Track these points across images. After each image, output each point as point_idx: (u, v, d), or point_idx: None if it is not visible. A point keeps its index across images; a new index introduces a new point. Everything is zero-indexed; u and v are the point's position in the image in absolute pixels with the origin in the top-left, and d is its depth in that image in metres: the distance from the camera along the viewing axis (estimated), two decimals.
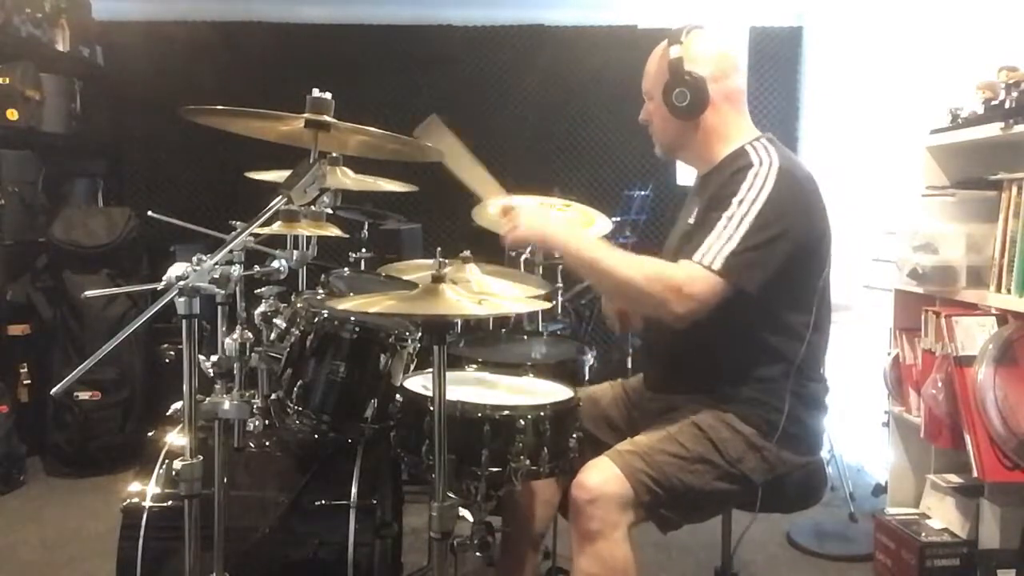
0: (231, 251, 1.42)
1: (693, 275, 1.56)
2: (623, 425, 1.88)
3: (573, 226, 1.74)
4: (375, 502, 1.85)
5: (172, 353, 3.60)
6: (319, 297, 2.07)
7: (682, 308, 1.56)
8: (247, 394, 1.79)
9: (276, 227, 1.82)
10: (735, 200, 1.60)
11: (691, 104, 1.72)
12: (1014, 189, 2.30)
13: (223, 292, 1.41)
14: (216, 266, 1.35)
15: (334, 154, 2.02)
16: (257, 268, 1.92)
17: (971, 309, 2.43)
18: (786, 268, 1.62)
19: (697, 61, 1.72)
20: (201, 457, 1.43)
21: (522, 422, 1.57)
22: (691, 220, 1.77)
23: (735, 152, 1.75)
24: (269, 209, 1.46)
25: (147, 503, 1.82)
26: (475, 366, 1.99)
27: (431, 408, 1.49)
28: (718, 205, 1.62)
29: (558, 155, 4.49)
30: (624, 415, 1.92)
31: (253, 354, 1.83)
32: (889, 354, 2.82)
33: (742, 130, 1.79)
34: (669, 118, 1.76)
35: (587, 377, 2.21)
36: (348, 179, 2.15)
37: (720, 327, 1.65)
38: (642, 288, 1.58)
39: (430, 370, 1.48)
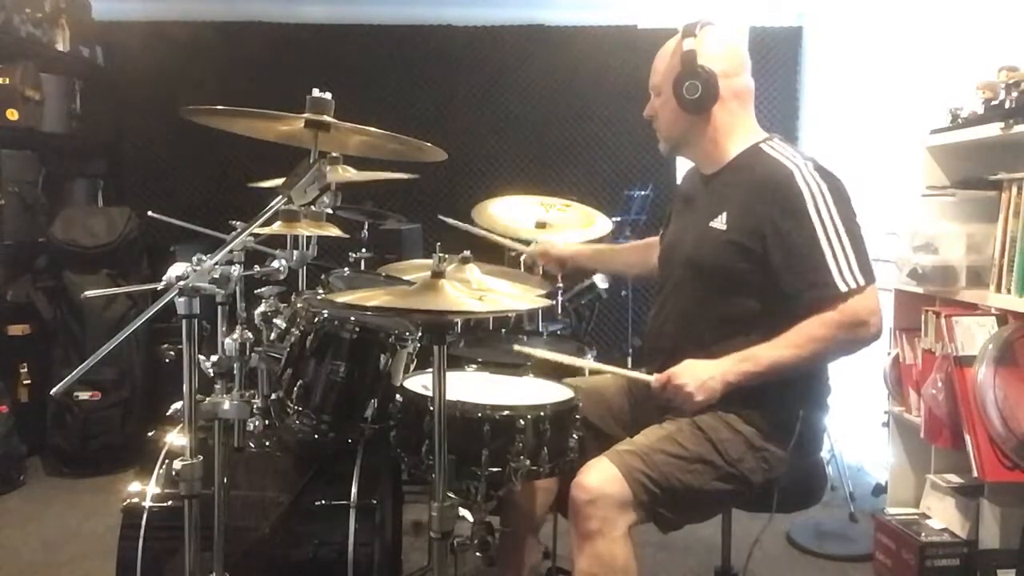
0: (231, 251, 1.42)
1: (856, 302, 1.58)
2: (627, 417, 1.88)
3: (722, 362, 1.65)
4: (375, 502, 1.85)
5: (172, 353, 3.60)
6: (319, 297, 2.07)
7: (870, 331, 1.60)
8: (247, 394, 1.79)
9: (276, 227, 1.82)
10: (813, 219, 1.60)
11: (701, 97, 1.72)
12: (1014, 189, 2.30)
13: (223, 292, 1.41)
14: (216, 266, 1.35)
15: (334, 154, 2.02)
16: (257, 268, 1.92)
17: (971, 309, 2.42)
18: None
19: (709, 56, 1.72)
20: (201, 457, 1.43)
21: (522, 422, 1.57)
22: (716, 224, 1.72)
23: (748, 152, 1.75)
24: (269, 209, 1.46)
25: (147, 503, 1.82)
26: (475, 366, 1.99)
27: (431, 408, 1.49)
28: (790, 220, 1.61)
29: (558, 155, 4.49)
30: (628, 407, 1.92)
31: (253, 354, 1.83)
32: (889, 354, 2.82)
33: (748, 129, 1.79)
34: (678, 111, 1.76)
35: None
36: (349, 172, 2.15)
37: (722, 328, 1.65)
38: (831, 347, 1.61)
39: (430, 370, 1.48)
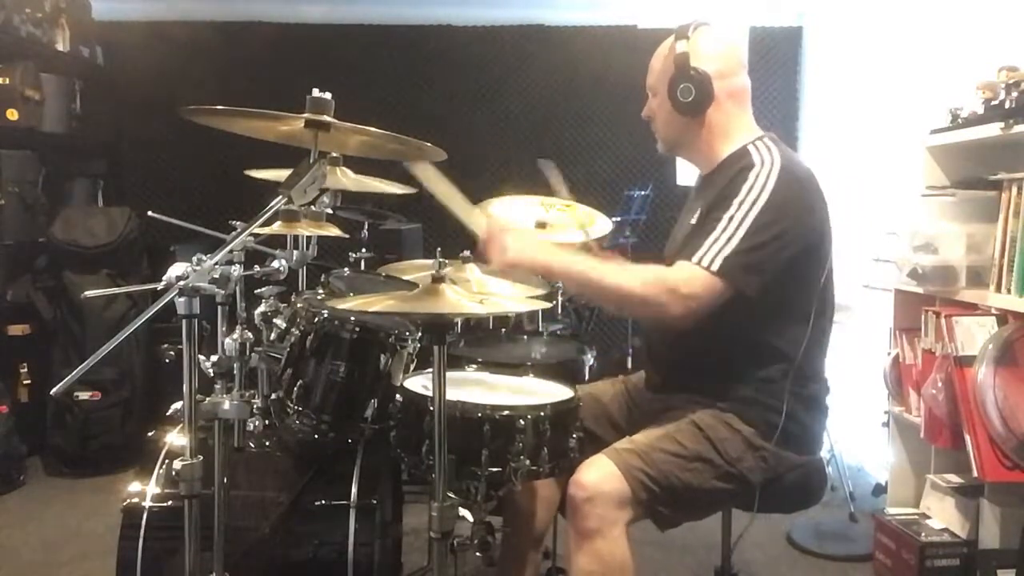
0: (231, 251, 1.42)
1: (690, 276, 1.56)
2: (624, 423, 1.88)
3: (554, 246, 1.72)
4: (375, 502, 1.85)
5: (172, 353, 3.60)
6: (319, 297, 2.06)
7: (680, 309, 1.56)
8: (247, 394, 1.79)
9: (276, 227, 1.82)
10: (736, 201, 1.60)
11: (695, 100, 1.72)
12: (1014, 189, 2.30)
13: (223, 292, 1.41)
14: (216, 266, 1.35)
15: (334, 154, 2.01)
16: (257, 268, 1.92)
17: (971, 309, 2.42)
18: (786, 268, 1.62)
19: (703, 57, 1.72)
20: (201, 457, 1.43)
21: (522, 422, 1.57)
22: (693, 221, 1.76)
23: (737, 152, 1.75)
24: (269, 209, 1.46)
25: (147, 503, 1.82)
26: (475, 366, 1.99)
27: (431, 408, 1.49)
28: (719, 206, 1.62)
29: (558, 155, 4.48)
30: (625, 413, 1.92)
31: (253, 354, 1.83)
32: (889, 354, 2.82)
33: (745, 129, 1.78)
34: (673, 113, 1.76)
35: (587, 377, 2.21)
36: (347, 179, 2.15)
37: (720, 327, 1.65)
38: (638, 293, 1.58)
39: (430, 370, 1.48)
